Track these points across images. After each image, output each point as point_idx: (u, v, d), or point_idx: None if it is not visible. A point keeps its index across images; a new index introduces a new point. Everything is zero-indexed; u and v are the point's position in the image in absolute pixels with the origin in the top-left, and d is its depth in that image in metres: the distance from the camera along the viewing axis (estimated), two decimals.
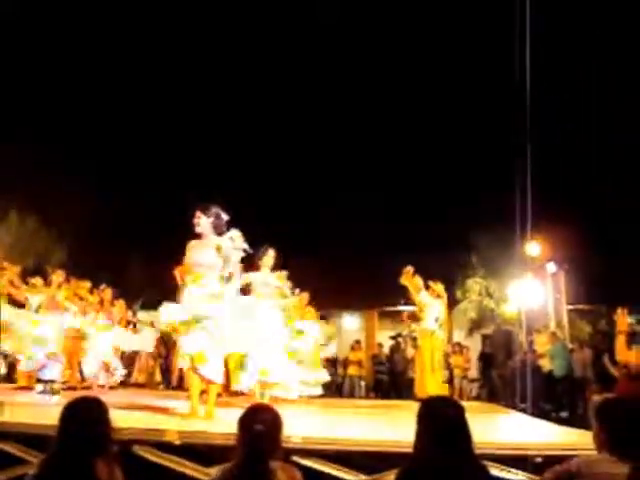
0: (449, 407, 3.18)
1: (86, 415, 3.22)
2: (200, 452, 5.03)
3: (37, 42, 18.43)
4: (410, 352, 15.39)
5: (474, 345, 17.70)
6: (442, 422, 3.06)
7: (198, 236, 6.91)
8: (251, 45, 19.76)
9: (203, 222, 6.86)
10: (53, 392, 9.36)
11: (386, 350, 17.82)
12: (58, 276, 10.20)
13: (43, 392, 9.39)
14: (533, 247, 15.60)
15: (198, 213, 6.90)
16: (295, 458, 4.69)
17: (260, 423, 3.08)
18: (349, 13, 18.23)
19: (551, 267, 16.23)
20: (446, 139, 19.19)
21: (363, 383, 17.39)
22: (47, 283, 10.11)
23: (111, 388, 10.90)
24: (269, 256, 8.45)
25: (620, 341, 7.81)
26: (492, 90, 15.92)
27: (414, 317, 10.73)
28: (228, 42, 19.86)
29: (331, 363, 16.66)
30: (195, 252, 6.84)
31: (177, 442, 5.12)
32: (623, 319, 8.26)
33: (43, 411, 6.62)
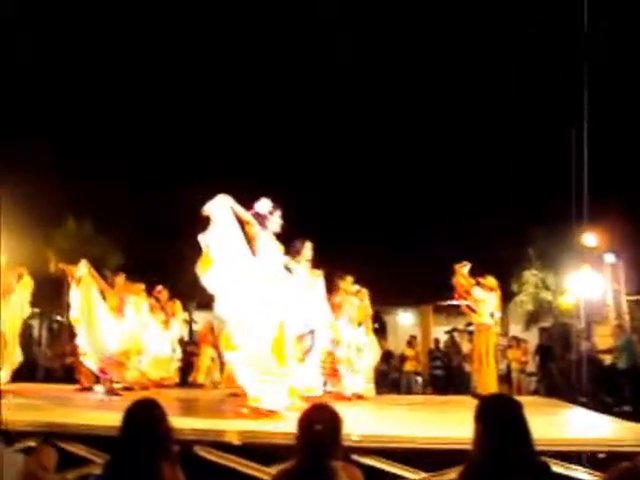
0: (507, 406, 3.13)
1: (147, 417, 3.27)
2: (260, 452, 5.07)
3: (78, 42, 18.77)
4: (466, 347, 15.25)
5: (532, 338, 17.42)
6: (501, 421, 3.02)
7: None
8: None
9: None
10: (113, 393, 9.54)
11: (441, 345, 17.69)
12: (121, 278, 10.43)
13: (107, 393, 9.56)
14: (590, 238, 15.29)
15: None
16: (354, 456, 4.69)
17: (319, 423, 3.06)
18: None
19: (609, 257, 15.88)
20: (503, 131, 18.89)
21: (420, 379, 17.28)
22: (110, 285, 10.31)
23: (169, 387, 11.03)
24: (307, 249, 8.47)
25: None
26: (549, 76, 15.64)
27: (472, 309, 10.61)
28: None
29: (386, 359, 16.62)
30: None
31: (237, 442, 5.16)
32: None
33: (106, 413, 6.74)
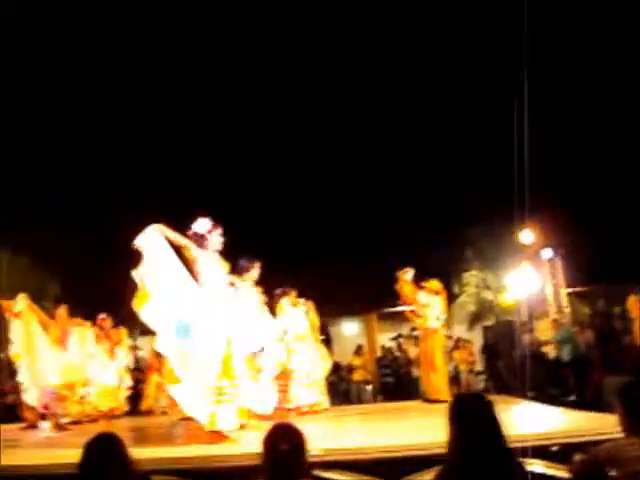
0: (481, 404, 3.13)
1: (107, 452, 3.17)
2: (220, 475, 4.98)
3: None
4: (412, 352, 15.35)
5: (476, 338, 17.65)
6: (477, 421, 3.01)
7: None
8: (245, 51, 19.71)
9: None
10: (61, 428, 9.26)
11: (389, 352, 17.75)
12: (63, 309, 10.17)
13: (54, 428, 9.27)
14: (526, 235, 15.59)
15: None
16: (317, 472, 4.64)
17: (284, 442, 3.03)
18: (348, 9, 18.11)
19: (547, 253, 16.19)
20: (437, 132, 19.05)
21: (369, 387, 17.30)
22: (52, 317, 10.05)
23: (118, 417, 10.83)
24: (256, 268, 8.40)
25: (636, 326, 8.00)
26: (486, 77, 15.85)
27: (416, 315, 10.71)
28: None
29: (334, 370, 16.57)
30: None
31: (195, 467, 5.07)
32: (635, 304, 8.40)
33: (56, 450, 6.54)
